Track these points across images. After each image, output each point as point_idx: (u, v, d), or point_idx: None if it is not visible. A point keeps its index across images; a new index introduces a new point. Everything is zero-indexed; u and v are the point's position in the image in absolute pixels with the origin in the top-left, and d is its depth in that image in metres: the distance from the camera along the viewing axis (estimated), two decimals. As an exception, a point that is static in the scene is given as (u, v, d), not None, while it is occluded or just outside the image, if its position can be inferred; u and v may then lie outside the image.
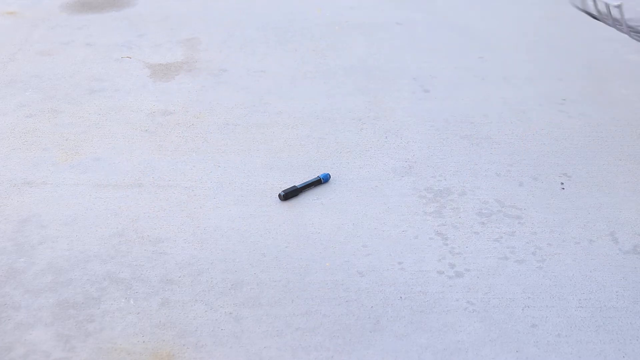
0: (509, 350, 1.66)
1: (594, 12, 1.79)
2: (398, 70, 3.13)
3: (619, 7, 1.70)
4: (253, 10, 3.82)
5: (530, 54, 3.33)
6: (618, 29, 1.77)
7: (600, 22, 1.77)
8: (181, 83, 2.95)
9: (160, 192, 2.21)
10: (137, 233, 2.02)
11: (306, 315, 1.75)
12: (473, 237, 2.04)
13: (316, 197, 2.20)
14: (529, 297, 1.81)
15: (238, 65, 3.14)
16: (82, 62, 3.14)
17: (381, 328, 1.71)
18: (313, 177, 2.26)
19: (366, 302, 1.79)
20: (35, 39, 3.36)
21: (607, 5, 1.73)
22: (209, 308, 1.76)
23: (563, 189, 2.28)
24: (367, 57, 3.25)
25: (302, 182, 2.23)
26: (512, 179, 2.32)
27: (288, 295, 1.81)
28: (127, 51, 3.26)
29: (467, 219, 2.12)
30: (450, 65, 3.19)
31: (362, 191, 2.24)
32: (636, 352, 1.66)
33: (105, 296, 1.79)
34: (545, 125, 2.67)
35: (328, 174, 2.27)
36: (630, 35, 1.81)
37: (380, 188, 2.26)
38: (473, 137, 2.58)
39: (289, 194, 2.18)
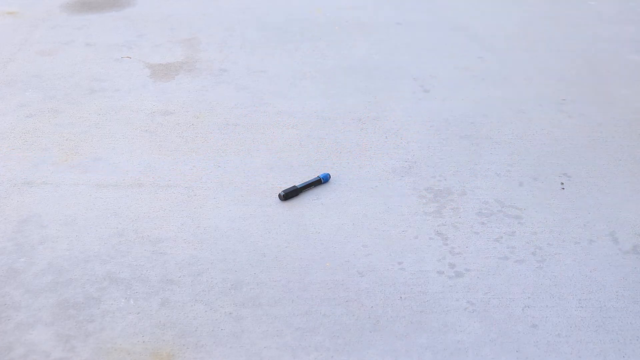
0: (509, 350, 1.66)
1: None
2: (398, 70, 3.13)
3: None
4: (253, 10, 3.82)
5: (530, 54, 3.33)
6: None
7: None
8: (181, 83, 2.95)
9: (160, 192, 2.21)
10: (137, 233, 2.02)
11: (306, 315, 1.75)
12: (473, 237, 2.04)
13: (316, 197, 2.20)
14: (529, 297, 1.81)
15: (238, 65, 3.14)
16: (82, 62, 3.14)
17: (381, 328, 1.71)
18: (313, 177, 2.26)
19: (366, 302, 1.79)
20: (35, 39, 3.36)
21: None
22: (209, 308, 1.76)
23: (563, 189, 2.28)
24: (367, 57, 3.25)
25: (302, 182, 2.23)
26: (512, 179, 2.32)
27: (288, 295, 1.81)
28: (127, 51, 3.26)
29: (467, 219, 2.12)
30: (450, 65, 3.19)
31: (362, 191, 2.24)
32: (636, 352, 1.66)
33: (105, 296, 1.79)
34: (545, 125, 2.67)
35: (328, 174, 2.27)
36: None
37: (380, 188, 2.26)
38: (473, 137, 2.58)
39: (289, 194, 2.18)
